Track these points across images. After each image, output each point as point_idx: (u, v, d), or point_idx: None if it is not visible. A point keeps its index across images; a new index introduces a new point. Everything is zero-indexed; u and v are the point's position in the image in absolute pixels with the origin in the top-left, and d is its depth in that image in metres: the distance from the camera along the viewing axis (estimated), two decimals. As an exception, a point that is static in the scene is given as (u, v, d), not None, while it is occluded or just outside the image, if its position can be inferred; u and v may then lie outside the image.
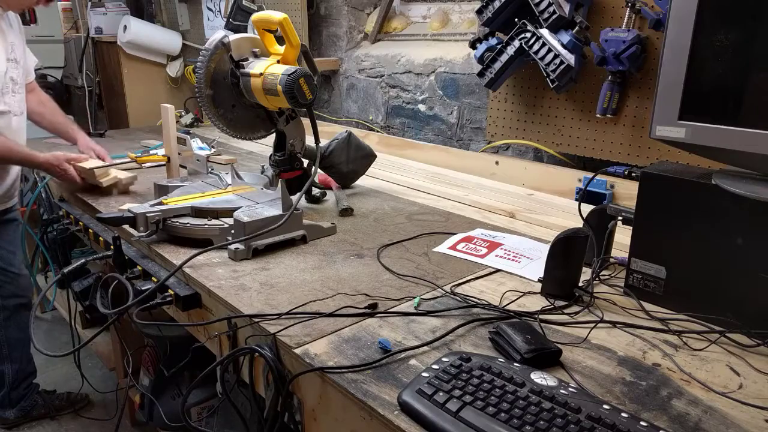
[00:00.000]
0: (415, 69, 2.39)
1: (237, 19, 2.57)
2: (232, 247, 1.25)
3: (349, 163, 1.76)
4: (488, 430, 0.70)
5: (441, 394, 0.75)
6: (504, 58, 1.74)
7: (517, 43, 1.69)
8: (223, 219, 1.34)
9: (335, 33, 2.75)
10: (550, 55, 1.62)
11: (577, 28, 1.58)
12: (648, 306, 1.04)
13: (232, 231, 1.29)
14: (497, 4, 1.71)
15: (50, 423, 2.39)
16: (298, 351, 0.90)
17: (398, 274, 1.18)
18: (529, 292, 1.10)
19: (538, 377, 0.78)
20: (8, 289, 2.16)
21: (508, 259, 1.25)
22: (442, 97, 2.30)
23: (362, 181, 1.85)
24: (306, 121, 1.53)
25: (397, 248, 1.32)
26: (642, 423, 0.70)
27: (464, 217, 1.55)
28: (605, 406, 0.72)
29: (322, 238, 1.38)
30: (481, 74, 1.81)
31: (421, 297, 1.07)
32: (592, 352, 0.90)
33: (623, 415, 0.71)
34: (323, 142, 1.63)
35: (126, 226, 1.38)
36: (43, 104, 2.14)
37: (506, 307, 1.03)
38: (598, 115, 1.64)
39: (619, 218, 1.16)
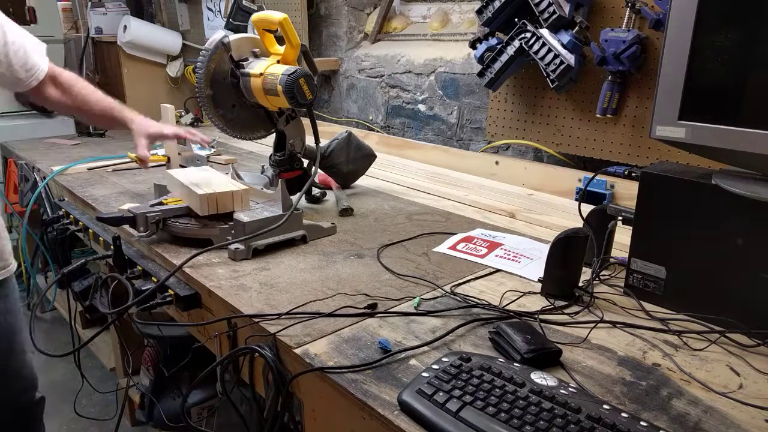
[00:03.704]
0: (415, 69, 2.39)
1: (237, 19, 2.57)
2: (232, 247, 1.25)
3: (349, 163, 1.76)
4: (488, 430, 0.70)
5: (441, 394, 0.75)
6: (504, 58, 1.74)
7: (517, 43, 1.69)
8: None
9: (335, 33, 2.75)
10: (550, 55, 1.62)
11: (577, 28, 1.58)
12: (648, 306, 1.04)
13: (232, 231, 1.29)
14: (497, 4, 1.71)
15: (50, 423, 2.39)
16: (298, 351, 0.90)
17: (398, 274, 1.17)
18: (529, 292, 1.10)
19: (538, 377, 0.78)
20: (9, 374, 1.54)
21: (508, 259, 1.25)
22: (442, 97, 2.30)
23: (362, 181, 1.85)
24: (306, 121, 1.53)
25: (397, 248, 1.32)
26: (642, 423, 0.70)
27: (464, 217, 1.55)
28: (605, 406, 0.72)
29: (322, 238, 1.38)
30: (481, 74, 1.81)
31: (421, 297, 1.07)
32: (592, 352, 0.90)
33: (623, 415, 0.71)
34: (323, 142, 1.63)
35: (126, 226, 1.38)
36: None
37: (506, 307, 1.03)
38: (598, 115, 1.64)
39: (619, 218, 1.16)
